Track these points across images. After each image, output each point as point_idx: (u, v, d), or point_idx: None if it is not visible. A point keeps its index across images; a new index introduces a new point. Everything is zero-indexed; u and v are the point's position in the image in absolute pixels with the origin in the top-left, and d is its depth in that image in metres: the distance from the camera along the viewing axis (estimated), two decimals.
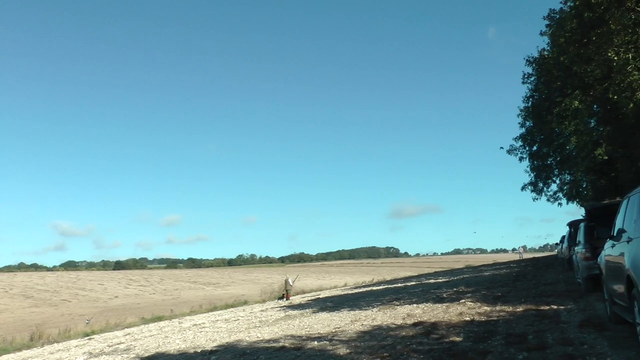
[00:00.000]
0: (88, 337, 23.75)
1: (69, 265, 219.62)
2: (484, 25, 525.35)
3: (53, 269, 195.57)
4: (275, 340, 12.83)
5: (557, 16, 21.89)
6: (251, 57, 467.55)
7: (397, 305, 17.22)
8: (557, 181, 39.85)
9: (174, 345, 15.02)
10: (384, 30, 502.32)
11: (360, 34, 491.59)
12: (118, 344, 17.73)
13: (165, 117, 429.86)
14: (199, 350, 13.05)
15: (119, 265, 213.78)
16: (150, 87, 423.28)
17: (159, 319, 32.81)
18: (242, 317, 22.73)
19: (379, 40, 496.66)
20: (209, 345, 13.73)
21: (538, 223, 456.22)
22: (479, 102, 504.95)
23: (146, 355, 13.81)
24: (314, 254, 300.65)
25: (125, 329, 26.24)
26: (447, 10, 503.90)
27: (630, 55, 16.86)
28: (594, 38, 17.38)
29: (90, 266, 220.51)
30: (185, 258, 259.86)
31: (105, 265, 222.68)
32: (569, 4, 19.16)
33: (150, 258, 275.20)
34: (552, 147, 36.75)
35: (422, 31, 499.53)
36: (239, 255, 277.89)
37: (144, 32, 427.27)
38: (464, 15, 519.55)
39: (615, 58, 16.77)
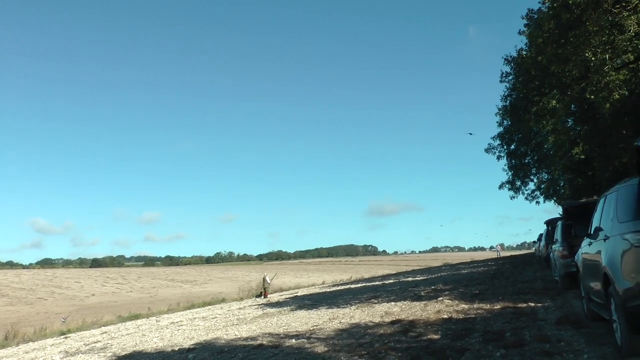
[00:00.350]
0: (64, 336, 23.49)
1: (46, 263, 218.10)
2: (464, 25, 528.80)
3: (29, 266, 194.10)
4: (253, 338, 12.77)
5: (536, 16, 22.00)
6: (228, 55, 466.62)
7: (375, 303, 17.21)
8: (535, 180, 40.22)
9: (151, 343, 14.90)
10: (364, 29, 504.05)
11: (341, 34, 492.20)
12: (95, 342, 17.56)
13: (145, 114, 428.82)
14: (176, 349, 12.96)
15: (96, 263, 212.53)
16: (129, 85, 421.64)
17: (136, 317, 32.56)
18: (220, 315, 22.64)
19: (358, 39, 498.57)
20: (187, 344, 13.63)
21: (516, 221, 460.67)
22: (458, 100, 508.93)
23: (123, 353, 13.69)
24: (292, 251, 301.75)
25: (102, 328, 26.00)
26: (427, 9, 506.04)
27: (607, 55, 17.00)
28: (571, 39, 17.48)
29: (67, 264, 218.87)
30: (163, 256, 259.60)
31: (82, 263, 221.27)
32: (547, 4, 19.22)
33: (128, 256, 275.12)
34: (529, 146, 37.05)
35: (402, 30, 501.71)
36: (217, 253, 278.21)
37: (125, 31, 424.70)
38: (444, 15, 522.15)
39: (593, 58, 16.90)
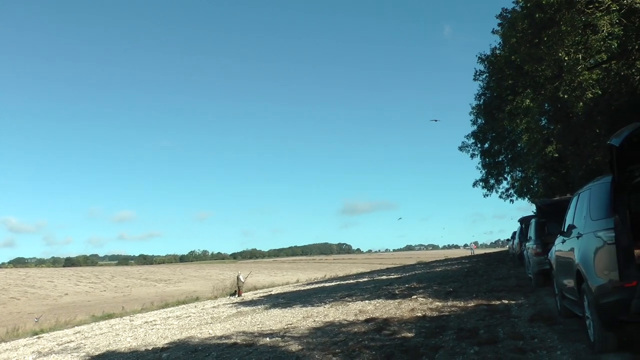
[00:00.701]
0: (37, 336, 23.17)
1: (18, 262, 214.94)
2: (439, 24, 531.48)
3: (1, 266, 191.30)
4: (227, 337, 12.71)
5: (509, 16, 22.09)
6: (202, 53, 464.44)
7: (349, 302, 17.21)
8: (509, 178, 40.46)
9: (125, 343, 14.76)
10: (338, 26, 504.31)
11: (318, 31, 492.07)
12: (68, 342, 17.35)
13: (118, 112, 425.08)
14: (150, 348, 12.85)
15: (69, 262, 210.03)
16: (103, 81, 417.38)
17: (109, 316, 32.25)
18: (194, 313, 22.50)
19: (333, 36, 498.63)
20: (161, 343, 13.52)
21: (490, 219, 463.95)
22: (433, 99, 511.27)
23: (97, 353, 13.53)
24: (266, 250, 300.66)
25: (76, 327, 25.70)
26: (402, 8, 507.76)
27: (580, 55, 17.11)
28: (545, 39, 17.57)
29: (39, 263, 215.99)
30: (137, 255, 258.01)
31: (55, 262, 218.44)
32: (520, 4, 19.31)
33: (102, 255, 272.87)
34: (503, 144, 37.31)
35: (377, 29, 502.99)
36: (191, 252, 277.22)
37: (104, 27, 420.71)
38: (419, 13, 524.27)
39: (566, 58, 16.99)
